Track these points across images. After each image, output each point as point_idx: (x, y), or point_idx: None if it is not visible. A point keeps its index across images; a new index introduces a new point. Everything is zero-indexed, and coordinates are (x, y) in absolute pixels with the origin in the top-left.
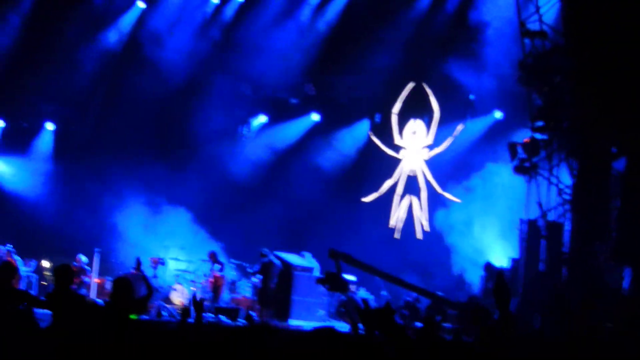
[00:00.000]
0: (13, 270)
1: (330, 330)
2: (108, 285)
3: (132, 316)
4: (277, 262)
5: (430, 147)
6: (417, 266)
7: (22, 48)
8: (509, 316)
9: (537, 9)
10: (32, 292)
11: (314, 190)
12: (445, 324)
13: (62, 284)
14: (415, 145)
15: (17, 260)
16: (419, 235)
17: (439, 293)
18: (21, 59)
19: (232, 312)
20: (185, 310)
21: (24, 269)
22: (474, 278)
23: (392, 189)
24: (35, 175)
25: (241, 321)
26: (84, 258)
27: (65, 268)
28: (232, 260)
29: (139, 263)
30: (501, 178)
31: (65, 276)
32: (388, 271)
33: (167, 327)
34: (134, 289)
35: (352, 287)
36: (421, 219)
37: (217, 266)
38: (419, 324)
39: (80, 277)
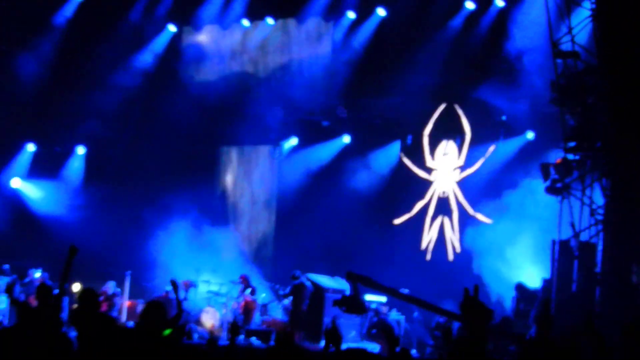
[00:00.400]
0: (50, 291)
1: (362, 351)
2: (139, 308)
3: (167, 331)
4: (308, 284)
5: (462, 168)
6: (447, 287)
7: (53, 73)
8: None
9: (570, 29)
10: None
11: (346, 211)
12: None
13: (87, 307)
14: (446, 166)
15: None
16: (451, 256)
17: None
18: (53, 85)
19: (263, 335)
20: (214, 334)
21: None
22: (506, 299)
23: (424, 210)
24: (67, 199)
25: (273, 343)
26: (111, 285)
27: (88, 292)
28: (264, 283)
29: (174, 284)
30: (533, 199)
31: (88, 300)
32: (419, 292)
33: (197, 349)
34: (167, 311)
35: (384, 309)
36: (452, 240)
37: (248, 290)
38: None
39: (112, 300)
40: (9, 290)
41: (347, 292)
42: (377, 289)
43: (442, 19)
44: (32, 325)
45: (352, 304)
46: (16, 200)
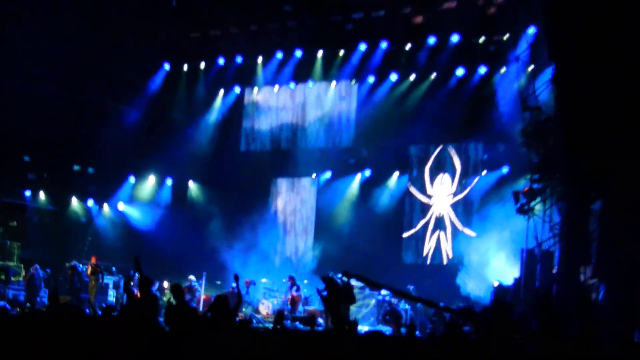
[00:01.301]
0: (151, 284)
1: (378, 333)
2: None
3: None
4: (339, 281)
5: (454, 194)
6: (443, 284)
7: (148, 123)
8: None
9: (534, 90)
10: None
11: (367, 227)
12: (465, 327)
13: (176, 297)
14: (442, 193)
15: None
16: (445, 261)
17: (462, 304)
18: (148, 132)
19: (306, 320)
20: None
21: None
22: (486, 292)
23: (425, 226)
24: (158, 218)
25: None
26: (193, 277)
27: (177, 286)
28: (306, 281)
29: (236, 278)
30: (507, 218)
31: (177, 291)
32: (421, 288)
33: (256, 331)
34: (230, 302)
35: (394, 300)
36: (446, 249)
37: (294, 288)
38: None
39: (192, 292)
40: (117, 286)
41: (367, 288)
42: (367, 284)
43: (439, 82)
44: (136, 311)
45: (345, 295)
46: (121, 219)
